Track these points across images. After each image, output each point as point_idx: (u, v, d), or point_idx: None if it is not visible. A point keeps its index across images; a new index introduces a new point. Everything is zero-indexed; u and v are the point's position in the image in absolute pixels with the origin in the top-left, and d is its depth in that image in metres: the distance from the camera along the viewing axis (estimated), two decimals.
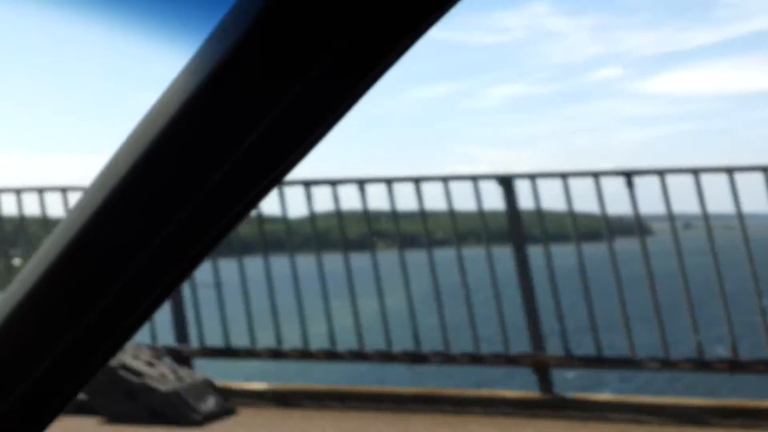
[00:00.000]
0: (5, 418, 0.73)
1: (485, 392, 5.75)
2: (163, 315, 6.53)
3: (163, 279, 0.71)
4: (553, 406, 5.48)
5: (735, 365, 5.34)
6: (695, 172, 5.36)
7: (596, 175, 5.50)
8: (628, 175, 5.43)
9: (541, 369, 5.62)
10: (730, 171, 5.31)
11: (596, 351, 5.57)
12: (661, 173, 5.37)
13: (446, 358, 5.83)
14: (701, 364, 5.40)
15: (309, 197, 6.09)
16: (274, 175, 0.69)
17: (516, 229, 5.80)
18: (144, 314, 0.73)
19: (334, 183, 6.05)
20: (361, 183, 6.00)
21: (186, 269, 0.71)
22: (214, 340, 6.42)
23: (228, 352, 6.30)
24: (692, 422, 5.16)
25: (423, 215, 5.95)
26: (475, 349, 5.78)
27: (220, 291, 6.37)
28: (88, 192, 0.70)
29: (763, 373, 5.40)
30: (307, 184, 6.06)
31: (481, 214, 5.85)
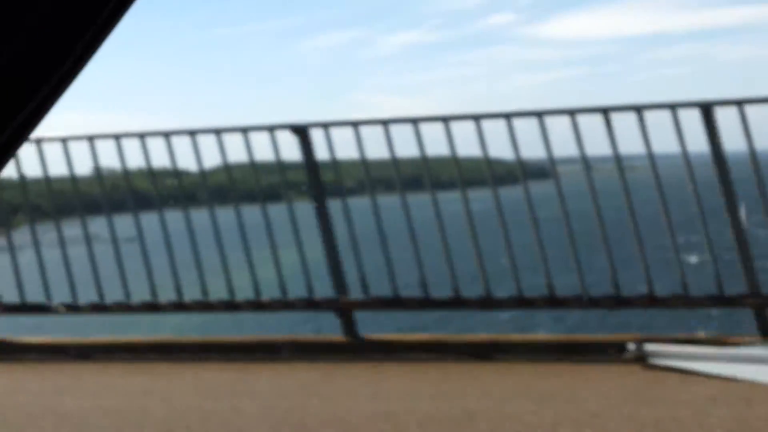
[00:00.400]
0: None
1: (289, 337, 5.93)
2: None
3: None
4: (356, 349, 5.66)
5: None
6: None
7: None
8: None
9: (345, 312, 5.78)
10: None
11: (393, 293, 5.72)
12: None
13: (258, 305, 5.94)
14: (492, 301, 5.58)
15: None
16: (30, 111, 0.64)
17: (314, 179, 5.84)
18: None
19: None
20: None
21: None
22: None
23: (24, 308, 6.19)
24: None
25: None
26: (283, 295, 5.86)
27: (12, 250, 6.21)
28: None
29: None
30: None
31: (280, 165, 5.90)
